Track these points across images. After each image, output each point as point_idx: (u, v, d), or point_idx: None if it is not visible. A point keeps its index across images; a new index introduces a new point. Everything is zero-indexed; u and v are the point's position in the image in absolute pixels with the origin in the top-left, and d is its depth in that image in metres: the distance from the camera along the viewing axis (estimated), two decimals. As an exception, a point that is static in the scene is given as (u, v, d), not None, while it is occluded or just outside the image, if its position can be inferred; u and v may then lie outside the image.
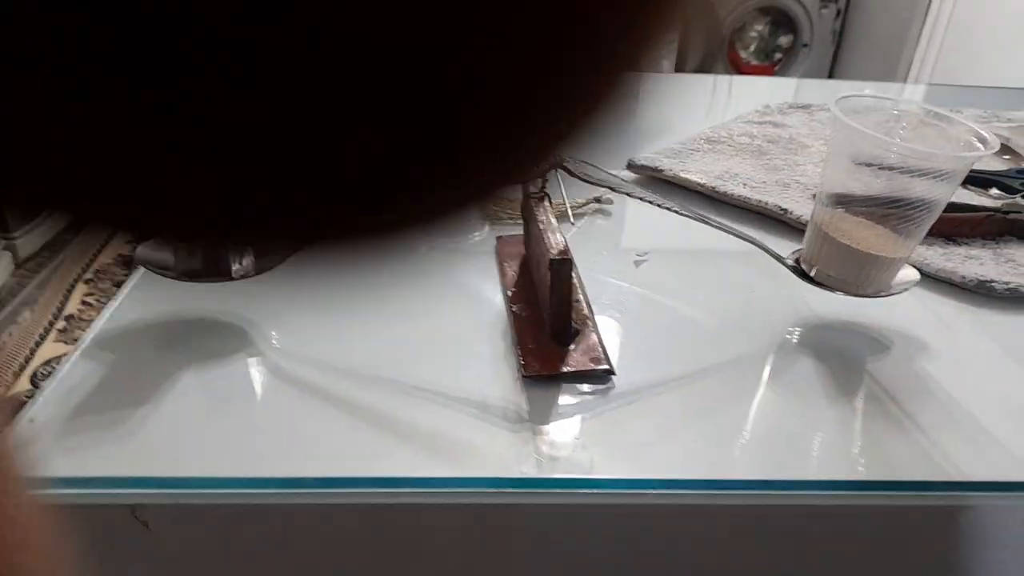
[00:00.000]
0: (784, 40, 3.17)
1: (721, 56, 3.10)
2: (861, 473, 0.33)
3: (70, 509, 0.30)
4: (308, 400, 0.36)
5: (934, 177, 0.39)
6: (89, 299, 1.91)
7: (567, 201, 0.42)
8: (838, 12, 3.07)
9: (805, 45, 3.12)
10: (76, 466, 0.31)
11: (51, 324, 1.78)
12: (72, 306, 1.87)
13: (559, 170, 0.40)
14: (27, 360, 1.65)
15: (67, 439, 0.32)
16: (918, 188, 0.39)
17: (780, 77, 3.21)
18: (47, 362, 1.68)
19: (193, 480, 0.31)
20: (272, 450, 0.32)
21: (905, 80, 2.75)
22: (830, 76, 3.22)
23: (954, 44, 2.63)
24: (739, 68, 3.20)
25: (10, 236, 1.94)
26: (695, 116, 0.85)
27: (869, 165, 0.40)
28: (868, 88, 1.10)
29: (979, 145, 0.40)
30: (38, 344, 1.71)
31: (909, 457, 0.35)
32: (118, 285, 1.96)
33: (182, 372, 0.37)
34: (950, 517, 0.34)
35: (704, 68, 3.05)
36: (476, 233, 0.53)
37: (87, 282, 1.94)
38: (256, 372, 0.37)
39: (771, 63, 3.22)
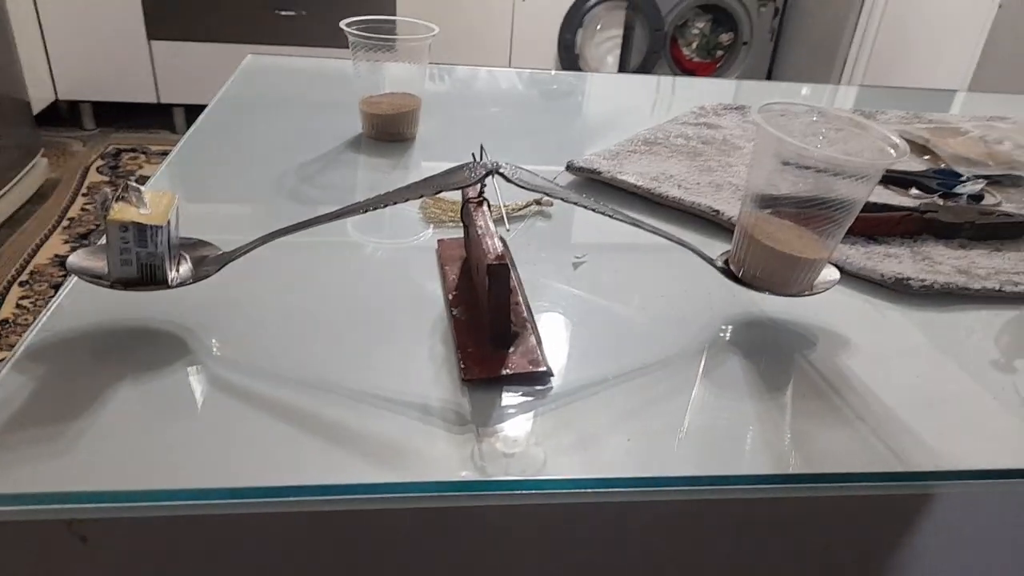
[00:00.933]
0: (725, 38, 3.24)
1: (664, 53, 3.15)
2: (790, 466, 0.35)
3: (4, 527, 0.29)
4: (249, 408, 0.36)
5: (850, 180, 0.41)
6: (25, 303, 1.84)
7: (503, 207, 0.43)
8: (776, 11, 3.15)
9: (745, 43, 3.20)
10: (10, 482, 0.30)
11: (-18, 329, 1.70)
12: (7, 310, 1.80)
13: (496, 175, 0.41)
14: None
15: (2, 454, 0.31)
16: (835, 191, 0.42)
17: (720, 78, 3.29)
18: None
19: (132, 493, 0.31)
20: (214, 460, 0.33)
21: (839, 81, 2.85)
22: (769, 74, 3.31)
23: (885, 46, 2.74)
24: (681, 65, 3.26)
25: (-62, 238, 1.85)
26: (639, 115, 0.87)
27: (791, 168, 0.42)
28: (805, 89, 1.14)
29: (891, 151, 0.42)
30: (-29, 349, 1.63)
31: (834, 450, 0.37)
32: (55, 288, 1.89)
33: (119, 383, 0.36)
34: (872, 506, 0.36)
35: (647, 65, 3.11)
36: (418, 235, 0.54)
37: (22, 284, 1.87)
38: (196, 381, 0.37)
39: (713, 60, 3.30)
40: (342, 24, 0.65)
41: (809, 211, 0.43)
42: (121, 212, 0.37)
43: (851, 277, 0.53)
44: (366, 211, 0.40)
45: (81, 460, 0.32)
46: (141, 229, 0.37)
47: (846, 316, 0.49)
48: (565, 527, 0.34)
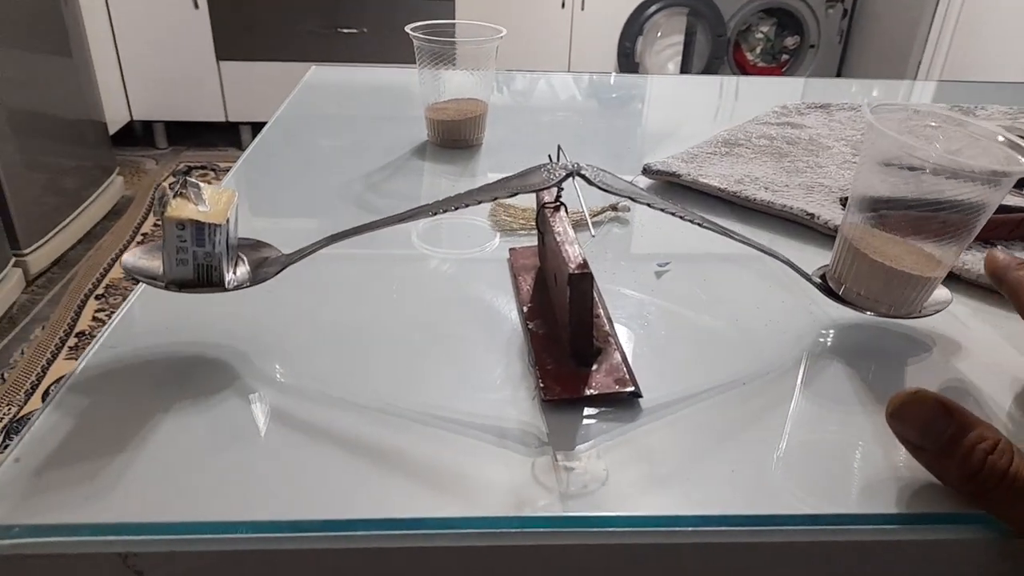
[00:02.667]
0: (790, 41, 3.14)
1: (727, 59, 3.07)
2: (917, 504, 0.31)
3: (58, 560, 0.27)
4: (310, 433, 0.33)
5: (974, 190, 0.36)
6: (100, 315, 1.90)
7: (586, 210, 0.40)
8: (845, 12, 3.04)
9: (812, 46, 3.10)
10: (63, 512, 0.28)
11: (63, 341, 1.77)
12: (83, 323, 1.86)
13: (576, 178, 0.37)
14: (39, 378, 1.64)
15: (52, 483, 0.30)
16: (963, 194, 0.37)
17: (788, 77, 3.18)
18: (59, 379, 1.67)
19: (188, 525, 0.28)
20: (273, 490, 0.30)
21: (915, 78, 2.72)
22: (838, 77, 3.19)
23: (963, 41, 2.60)
24: (745, 70, 3.17)
25: (21, 253, 1.93)
26: (703, 118, 0.82)
27: (909, 168, 0.37)
28: (876, 86, 1.07)
29: (1021, 158, 0.37)
30: (50, 362, 1.69)
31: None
32: (124, 302, 1.94)
33: (175, 405, 0.34)
34: (1005, 552, 0.31)
35: (709, 71, 3.03)
36: (487, 244, 0.51)
37: (98, 298, 1.93)
38: (252, 403, 0.35)
39: (777, 65, 3.19)
40: (407, 28, 0.63)
41: (925, 226, 0.38)
42: (179, 209, 0.35)
43: (970, 286, 0.47)
44: (435, 213, 0.38)
45: (136, 489, 0.30)
46: (199, 228, 0.35)
47: (964, 327, 0.43)
48: (661, 570, 0.30)
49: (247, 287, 0.37)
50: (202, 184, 0.36)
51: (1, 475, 0.30)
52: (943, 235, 0.38)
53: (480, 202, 0.38)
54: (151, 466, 0.31)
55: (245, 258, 0.39)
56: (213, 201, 0.36)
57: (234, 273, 0.37)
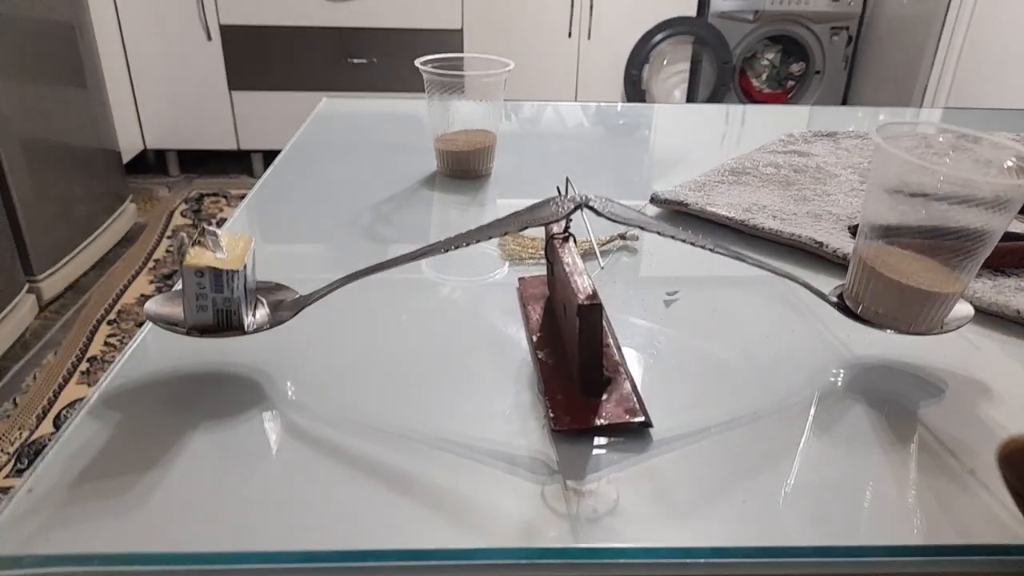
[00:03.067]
0: (796, 68, 3.17)
1: (733, 86, 3.10)
2: (928, 537, 0.30)
3: (69, 591, 0.28)
4: (325, 463, 0.33)
5: (990, 207, 0.36)
6: (112, 340, 1.91)
7: (594, 241, 0.40)
8: (849, 39, 3.07)
9: (817, 72, 3.12)
10: (78, 542, 0.28)
11: (75, 366, 1.77)
12: (95, 348, 1.87)
13: (585, 209, 0.38)
14: (51, 403, 1.64)
15: (68, 510, 0.30)
16: (972, 218, 0.37)
17: (793, 105, 3.20)
18: (71, 404, 1.67)
19: (205, 556, 0.28)
20: (288, 521, 0.30)
21: (920, 105, 2.73)
22: (843, 103, 3.21)
23: (968, 70, 2.61)
24: (751, 96, 3.20)
25: (34, 278, 1.95)
26: (710, 146, 0.83)
27: (916, 195, 0.38)
28: (883, 113, 1.08)
29: (1032, 174, 0.37)
30: (62, 387, 1.70)
31: (979, 517, 0.32)
32: (140, 326, 1.95)
33: (193, 435, 0.34)
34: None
35: (716, 98, 3.06)
36: (496, 272, 0.51)
37: (110, 323, 1.94)
38: (271, 434, 0.35)
39: (784, 91, 3.22)
40: (417, 62, 0.64)
41: (939, 240, 0.38)
42: (197, 257, 0.35)
43: (980, 314, 0.47)
44: (447, 251, 0.38)
45: (153, 518, 0.30)
46: (217, 274, 0.35)
47: (977, 357, 0.43)
48: (674, 602, 0.30)
49: (266, 329, 0.38)
50: (219, 231, 0.37)
51: (14, 505, 0.30)
52: (957, 252, 0.38)
53: (491, 237, 0.38)
54: (164, 497, 0.31)
55: (264, 300, 0.40)
56: (230, 248, 0.37)
57: (253, 316, 0.38)
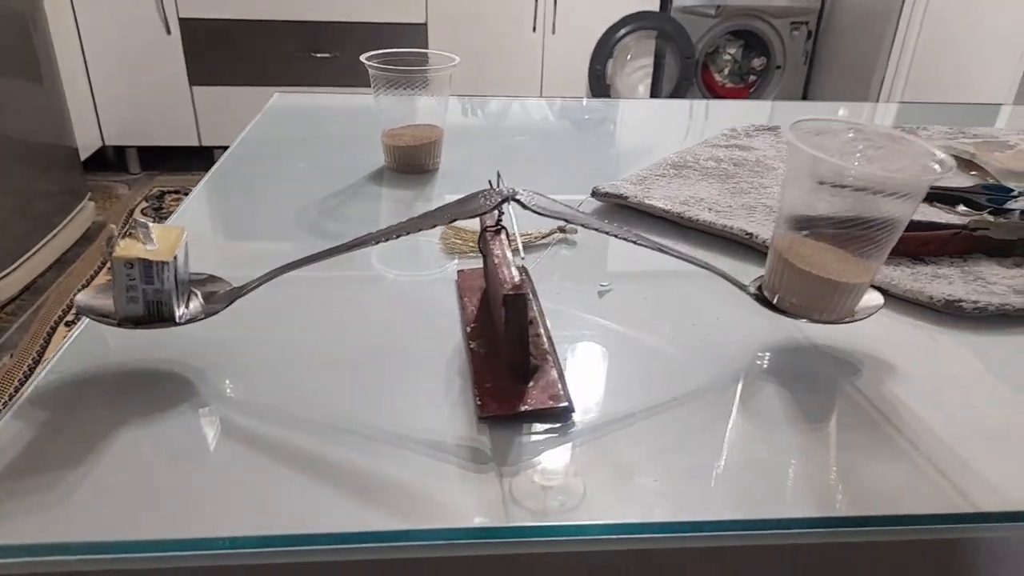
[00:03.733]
0: (757, 63, 3.22)
1: (696, 80, 3.13)
2: (836, 508, 0.32)
3: (-5, 580, 0.28)
4: (256, 452, 0.34)
5: (893, 199, 0.38)
6: (63, 344, 1.87)
7: (518, 235, 0.42)
8: (809, 34, 3.12)
9: (778, 67, 3.17)
10: (9, 533, 0.29)
11: (32, 369, 1.75)
12: (53, 350, 1.84)
13: (512, 203, 0.39)
14: (6, 406, 1.62)
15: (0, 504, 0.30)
16: (876, 210, 0.39)
17: (755, 100, 3.25)
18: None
19: (134, 544, 0.29)
20: (219, 508, 0.31)
21: (877, 99, 2.80)
22: (804, 97, 3.27)
23: (923, 64, 2.68)
24: (714, 91, 3.24)
25: (-11, 280, 1.91)
26: (672, 140, 0.85)
27: (827, 187, 0.39)
28: (842, 109, 1.11)
29: (935, 166, 0.39)
30: (17, 389, 1.67)
31: (885, 489, 0.34)
32: (93, 328, 1.93)
33: (124, 427, 0.35)
34: (930, 552, 0.33)
35: (679, 92, 3.09)
36: (441, 266, 0.52)
37: (68, 325, 1.91)
38: (202, 424, 0.36)
39: (746, 85, 3.27)
40: (362, 57, 0.65)
41: (848, 232, 0.40)
42: (127, 249, 0.36)
43: (898, 300, 0.49)
44: (378, 242, 0.39)
45: (83, 509, 0.30)
46: (147, 265, 0.36)
47: (893, 342, 0.45)
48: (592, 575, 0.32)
49: (199, 320, 0.39)
50: (151, 224, 0.38)
51: (-57, 500, 0.30)
52: (866, 243, 0.40)
53: (421, 229, 0.39)
54: (98, 486, 0.32)
55: (198, 292, 0.40)
56: (161, 239, 0.37)
57: (186, 307, 0.38)
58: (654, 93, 3.14)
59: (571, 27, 2.88)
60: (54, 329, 1.91)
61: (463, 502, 0.32)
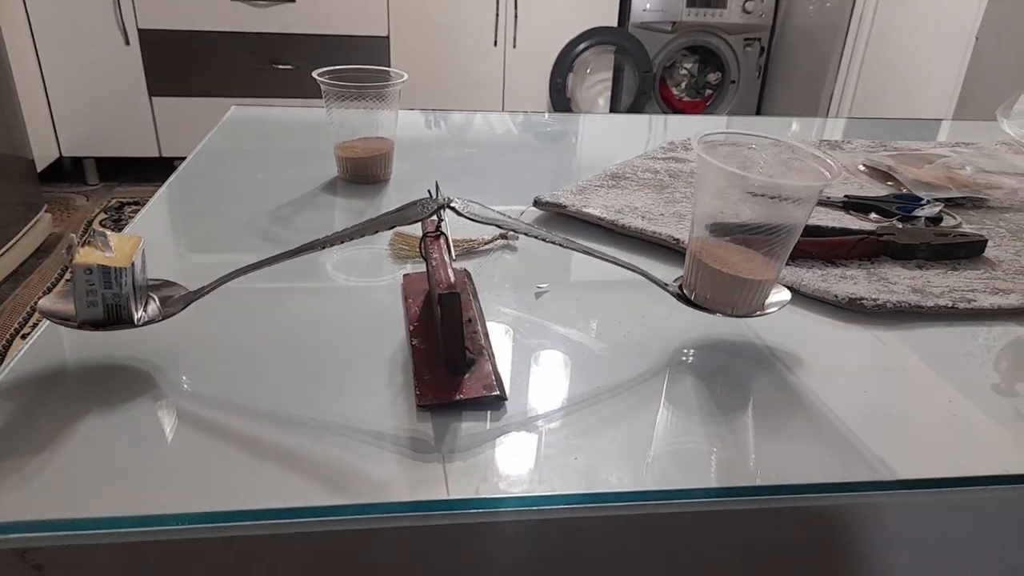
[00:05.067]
0: (713, 77, 3.31)
1: (653, 94, 3.22)
2: (739, 479, 0.36)
3: (-41, 555, 0.31)
4: (208, 438, 0.37)
5: (788, 203, 0.43)
6: (18, 355, 1.85)
7: (451, 240, 0.45)
8: (762, 50, 3.23)
9: (733, 82, 3.27)
10: (-32, 513, 0.31)
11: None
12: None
13: (447, 210, 0.42)
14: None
15: (-41, 487, 0.33)
16: (775, 215, 0.43)
17: (710, 115, 3.34)
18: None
19: (83, 521, 0.32)
20: (171, 488, 0.34)
21: (827, 114, 2.90)
22: (758, 110, 3.37)
23: (869, 80, 2.79)
24: (671, 105, 3.33)
25: (-58, 294, 1.88)
26: (622, 154, 0.89)
27: (734, 197, 0.44)
28: (795, 124, 1.17)
29: (826, 173, 0.44)
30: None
31: (783, 463, 0.38)
32: (50, 340, 1.91)
33: (83, 418, 0.38)
34: (824, 515, 0.37)
35: (638, 106, 3.17)
36: (388, 272, 0.56)
37: (24, 337, 1.89)
38: (158, 413, 0.39)
39: (702, 99, 3.36)
40: (314, 74, 0.68)
41: (752, 236, 0.44)
42: (86, 256, 0.39)
43: (808, 299, 0.54)
44: (324, 247, 0.42)
45: (38, 491, 0.33)
46: (106, 271, 0.39)
47: (800, 336, 0.50)
48: (514, 545, 0.35)
49: (156, 322, 0.41)
50: (109, 233, 0.40)
51: (-90, 486, 0.33)
52: (769, 244, 0.44)
53: (364, 235, 0.42)
54: (55, 470, 0.34)
55: (155, 297, 0.43)
56: (119, 247, 0.40)
57: (144, 311, 0.41)
58: (613, 106, 3.21)
59: (532, 41, 2.94)
60: (11, 341, 1.89)
61: (404, 479, 0.35)
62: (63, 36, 2.60)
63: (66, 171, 2.94)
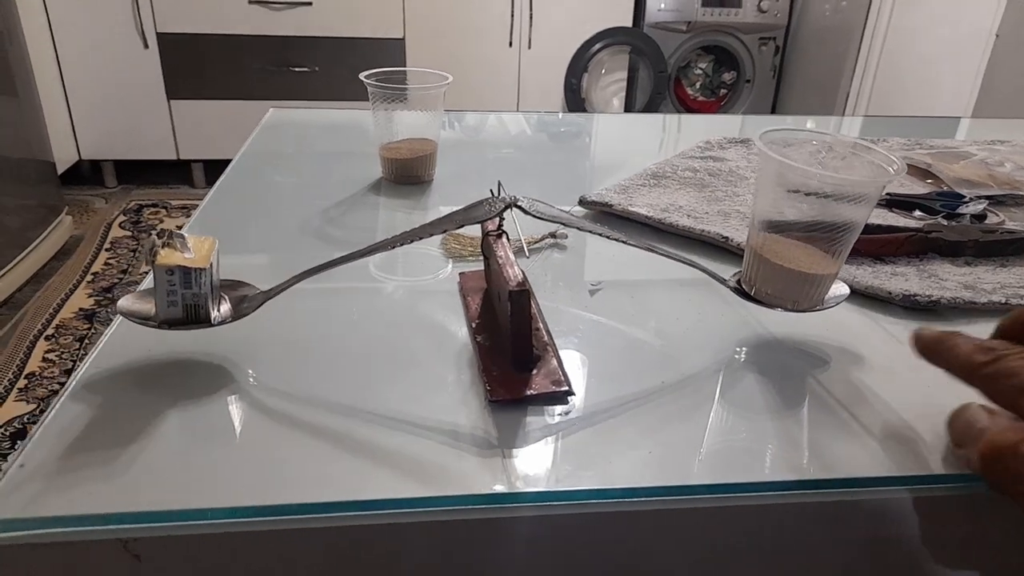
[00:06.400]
0: (728, 77, 3.31)
1: (668, 94, 3.22)
2: (803, 473, 0.37)
3: (65, 547, 0.31)
4: (287, 431, 0.38)
5: (851, 200, 0.43)
6: (51, 356, 1.87)
7: (522, 237, 0.46)
8: (777, 49, 3.23)
9: (748, 81, 3.27)
10: (68, 505, 0.32)
11: (12, 383, 1.74)
12: (33, 364, 1.83)
13: (514, 209, 0.43)
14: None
15: (58, 480, 0.33)
16: (838, 211, 0.44)
17: (725, 114, 3.34)
18: (9, 422, 1.64)
19: (182, 512, 0.32)
20: (255, 480, 0.34)
21: (843, 113, 2.90)
22: (773, 110, 3.36)
23: (885, 79, 2.78)
24: (686, 104, 3.33)
25: (-36, 296, 1.91)
26: (648, 152, 0.90)
27: (794, 192, 0.44)
28: (809, 122, 1.17)
29: (889, 169, 0.44)
30: (0, 402, 1.67)
31: (846, 457, 0.38)
32: (80, 340, 1.93)
33: (167, 412, 0.38)
34: (883, 509, 0.37)
35: (652, 106, 3.17)
36: (440, 271, 0.56)
37: (48, 339, 1.91)
38: (236, 408, 0.39)
39: (717, 99, 3.36)
40: (361, 76, 0.69)
41: (814, 231, 0.45)
42: (167, 257, 0.39)
43: (860, 296, 0.54)
44: (394, 247, 0.43)
45: (134, 483, 0.34)
46: (186, 272, 0.39)
47: (857, 332, 0.50)
48: (587, 537, 0.36)
49: (230, 322, 0.42)
50: (186, 234, 0.41)
51: (8, 478, 0.34)
52: (831, 240, 0.44)
53: (432, 234, 0.43)
54: (146, 462, 0.35)
55: (227, 296, 0.44)
56: (196, 248, 0.41)
57: (218, 311, 0.42)
58: (628, 106, 3.21)
59: (546, 42, 2.95)
60: (34, 343, 1.91)
61: (475, 473, 0.36)
62: (83, 40, 2.63)
63: (85, 174, 2.96)
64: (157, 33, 2.66)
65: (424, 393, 0.41)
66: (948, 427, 0.37)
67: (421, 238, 0.43)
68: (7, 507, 0.32)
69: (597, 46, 3.00)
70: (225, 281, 0.44)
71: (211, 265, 0.40)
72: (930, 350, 0.39)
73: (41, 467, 0.34)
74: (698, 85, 3.36)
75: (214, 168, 2.75)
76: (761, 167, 0.46)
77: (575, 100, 3.06)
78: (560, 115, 1.14)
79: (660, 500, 0.35)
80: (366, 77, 0.69)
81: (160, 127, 2.81)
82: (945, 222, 0.65)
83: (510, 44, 2.93)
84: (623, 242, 0.45)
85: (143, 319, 0.41)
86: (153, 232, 0.40)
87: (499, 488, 0.35)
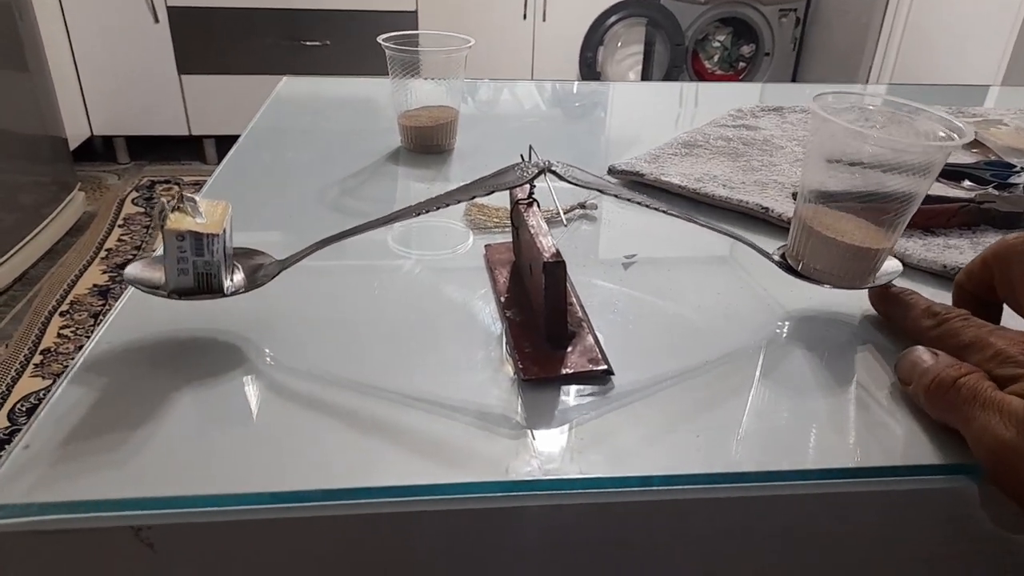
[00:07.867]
0: (746, 50, 3.24)
1: (685, 67, 3.15)
2: (856, 460, 0.34)
3: (74, 535, 0.29)
4: (306, 413, 0.35)
5: (911, 170, 0.40)
6: (66, 332, 1.87)
7: (558, 204, 0.43)
8: (797, 20, 3.14)
9: (767, 54, 3.19)
10: (77, 490, 0.30)
11: (28, 359, 1.74)
12: (48, 340, 1.83)
13: (548, 174, 0.40)
14: (4, 397, 1.61)
15: (65, 464, 0.31)
16: (897, 181, 0.40)
17: (744, 83, 3.27)
18: (25, 397, 1.64)
19: (197, 499, 0.30)
20: (274, 464, 0.32)
21: (866, 83, 2.82)
22: (792, 82, 3.29)
23: (911, 48, 2.71)
24: (703, 78, 3.26)
25: (-20, 272, 1.90)
26: (665, 123, 0.86)
27: (850, 161, 0.41)
28: (829, 90, 1.13)
29: (953, 135, 0.41)
30: (15, 380, 1.67)
31: (901, 442, 0.35)
32: (95, 317, 1.92)
33: (179, 392, 0.36)
34: (939, 498, 0.34)
35: (669, 79, 3.10)
36: (461, 244, 0.53)
37: (63, 315, 1.90)
38: (252, 388, 0.37)
39: (735, 72, 3.29)
40: (379, 39, 0.65)
41: (870, 203, 0.41)
42: (178, 222, 0.37)
43: (912, 269, 0.51)
44: (419, 214, 0.40)
45: (145, 467, 0.31)
46: (198, 238, 0.37)
47: (909, 309, 0.47)
48: (625, 526, 0.33)
49: (244, 292, 0.39)
50: (198, 198, 0.38)
51: (12, 461, 0.31)
52: (886, 212, 0.41)
53: (460, 201, 0.40)
54: (158, 446, 0.33)
55: (240, 265, 0.41)
56: (209, 213, 0.38)
57: (231, 280, 0.39)
58: (644, 80, 3.15)
59: (561, 14, 2.89)
60: (49, 319, 1.91)
61: (505, 457, 0.33)
62: (94, 15, 2.60)
63: (97, 150, 2.95)
64: (167, 7, 2.62)
65: (452, 372, 0.39)
66: (896, 367, 0.39)
67: (448, 204, 0.40)
68: (11, 492, 0.30)
69: (613, 18, 2.93)
70: (239, 249, 0.42)
71: (224, 231, 0.38)
72: (886, 315, 0.44)
73: (47, 449, 0.32)
74: (716, 58, 3.29)
75: (226, 144, 2.72)
76: (813, 133, 0.43)
77: (590, 74, 3.00)
78: (576, 85, 1.10)
79: (707, 488, 0.32)
80: (384, 40, 0.65)
81: (172, 103, 2.79)
82: (997, 192, 0.61)
83: (524, 16, 2.86)
84: (665, 212, 0.42)
85: (152, 288, 0.38)
86: (162, 198, 0.37)
87: (530, 474, 0.32)
